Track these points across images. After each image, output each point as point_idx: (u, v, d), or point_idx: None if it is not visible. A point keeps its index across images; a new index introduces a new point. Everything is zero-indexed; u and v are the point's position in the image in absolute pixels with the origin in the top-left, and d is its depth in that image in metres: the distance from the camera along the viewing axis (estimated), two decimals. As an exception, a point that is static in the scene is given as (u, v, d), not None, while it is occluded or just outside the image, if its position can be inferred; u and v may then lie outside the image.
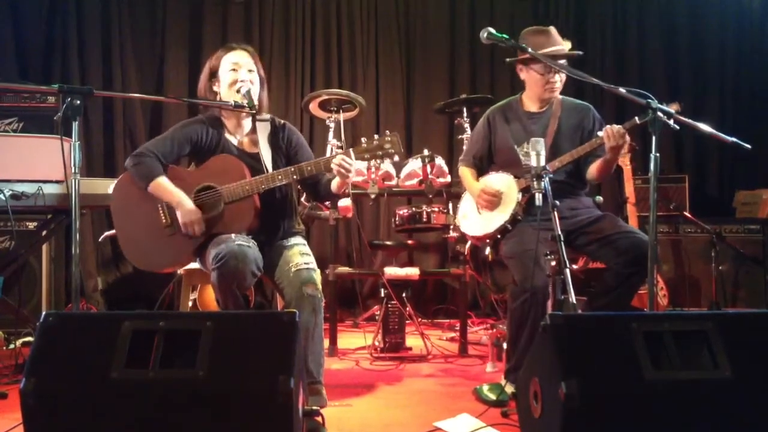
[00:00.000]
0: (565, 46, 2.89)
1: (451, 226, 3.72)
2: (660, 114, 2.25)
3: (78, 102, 2.09)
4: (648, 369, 1.68)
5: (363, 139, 2.51)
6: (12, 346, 3.59)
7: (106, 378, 1.65)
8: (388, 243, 4.75)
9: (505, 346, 2.91)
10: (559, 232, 2.25)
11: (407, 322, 3.64)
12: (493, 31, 2.46)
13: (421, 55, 5.38)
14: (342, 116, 4.00)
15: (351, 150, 2.47)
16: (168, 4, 5.08)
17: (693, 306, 4.46)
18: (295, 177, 2.51)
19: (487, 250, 3.02)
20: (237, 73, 2.60)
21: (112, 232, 2.74)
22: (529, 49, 2.61)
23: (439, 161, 3.68)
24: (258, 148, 2.64)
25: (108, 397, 1.66)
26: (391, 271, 3.65)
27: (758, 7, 5.41)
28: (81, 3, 4.88)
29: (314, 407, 2.22)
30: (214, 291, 2.42)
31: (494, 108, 3.07)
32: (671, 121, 2.28)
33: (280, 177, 2.49)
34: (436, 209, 3.72)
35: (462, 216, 3.04)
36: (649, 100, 2.28)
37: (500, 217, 2.81)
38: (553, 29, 2.91)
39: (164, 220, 2.54)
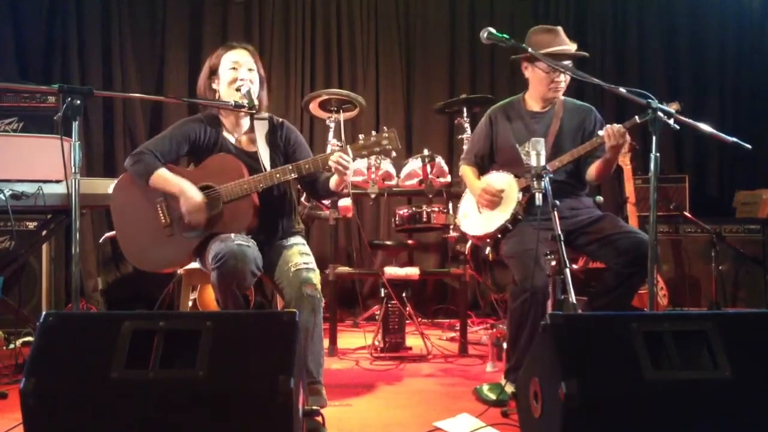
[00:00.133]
0: (572, 47, 2.89)
1: (451, 226, 3.72)
2: (660, 114, 2.26)
3: (78, 102, 2.09)
4: (648, 369, 1.68)
5: (360, 136, 2.51)
6: (12, 346, 3.59)
7: (106, 378, 1.64)
8: (388, 243, 4.75)
9: (505, 345, 2.91)
10: (559, 232, 2.26)
11: (407, 322, 3.64)
12: (493, 31, 2.46)
13: (421, 55, 5.38)
14: (342, 116, 4.00)
15: (348, 147, 2.47)
16: (168, 4, 5.08)
17: (693, 306, 4.46)
18: (293, 175, 2.50)
19: (488, 250, 3.02)
20: (237, 72, 2.60)
21: (113, 233, 2.74)
22: (530, 49, 2.62)
23: (439, 161, 3.68)
24: (256, 146, 2.63)
25: (108, 397, 1.66)
26: (391, 271, 3.65)
27: (758, 7, 5.41)
28: (81, 3, 4.88)
29: (314, 407, 2.22)
30: (214, 291, 2.42)
31: (496, 107, 3.07)
32: (671, 121, 2.28)
33: (278, 175, 2.49)
34: (436, 209, 3.72)
35: (462, 215, 3.04)
36: (650, 100, 2.28)
37: (501, 216, 2.81)
38: (560, 29, 2.91)
39: (163, 221, 2.54)
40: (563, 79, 2.87)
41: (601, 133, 2.64)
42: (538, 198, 2.31)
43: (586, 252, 2.84)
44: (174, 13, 5.09)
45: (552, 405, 1.74)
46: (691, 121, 2.36)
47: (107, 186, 3.08)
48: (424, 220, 3.70)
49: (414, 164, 3.70)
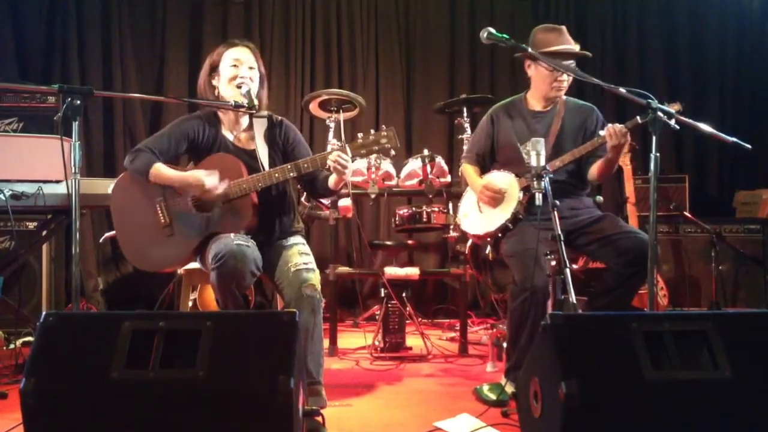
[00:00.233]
0: (575, 47, 2.89)
1: (451, 226, 3.72)
2: (660, 114, 2.26)
3: (78, 102, 2.09)
4: (648, 369, 1.68)
5: (359, 135, 2.51)
6: (12, 346, 3.59)
7: (106, 378, 1.64)
8: (388, 243, 4.76)
9: (505, 345, 2.91)
10: (560, 232, 2.26)
11: (407, 321, 3.64)
12: (493, 31, 2.45)
13: (421, 55, 5.38)
14: (342, 116, 4.00)
15: (347, 146, 2.46)
16: (168, 4, 5.08)
17: (693, 306, 4.46)
18: (292, 174, 2.50)
19: (488, 249, 3.02)
20: (237, 69, 2.59)
21: (113, 233, 2.74)
22: (529, 49, 2.61)
23: (439, 161, 3.68)
24: (255, 144, 2.63)
25: (108, 397, 1.66)
26: (391, 271, 3.65)
27: (758, 7, 5.41)
28: (81, 3, 4.88)
29: (314, 407, 2.22)
30: (214, 291, 2.42)
31: (498, 106, 3.07)
32: (671, 121, 2.28)
33: (277, 175, 2.49)
34: (436, 209, 3.72)
35: (463, 214, 3.04)
36: (650, 100, 2.28)
37: (502, 215, 2.81)
38: (564, 28, 2.91)
39: (163, 221, 2.54)
40: (566, 78, 2.87)
41: (602, 132, 2.64)
42: (538, 198, 2.31)
43: (587, 252, 2.84)
44: (174, 13, 5.09)
45: (552, 405, 1.74)
46: (691, 121, 2.36)
47: (107, 186, 3.08)
48: (424, 220, 3.70)
49: (414, 164, 3.70)
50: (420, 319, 4.29)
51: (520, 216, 2.78)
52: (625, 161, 4.19)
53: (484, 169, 3.05)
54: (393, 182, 3.75)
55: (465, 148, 3.60)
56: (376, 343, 3.59)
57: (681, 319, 1.91)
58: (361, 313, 4.79)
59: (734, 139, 2.37)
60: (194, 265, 2.76)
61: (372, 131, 2.50)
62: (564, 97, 2.98)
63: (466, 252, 3.67)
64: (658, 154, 2.25)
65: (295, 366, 1.68)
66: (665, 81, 5.37)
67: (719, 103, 5.38)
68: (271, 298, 4.72)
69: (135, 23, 5.03)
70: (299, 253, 2.54)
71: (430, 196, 3.69)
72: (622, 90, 2.36)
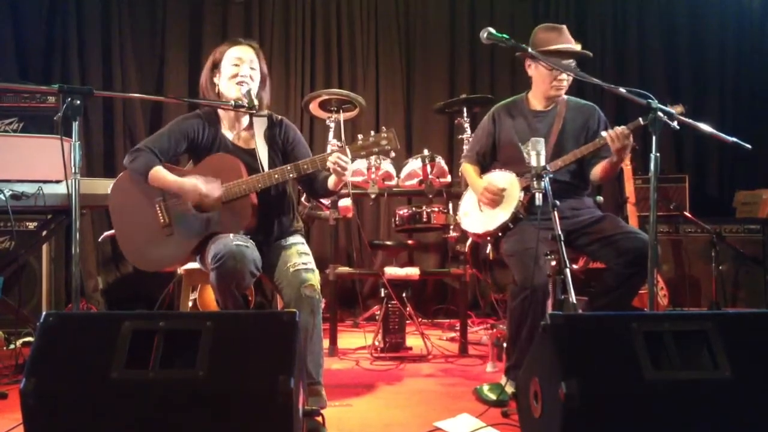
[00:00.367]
0: (577, 47, 2.89)
1: (451, 226, 3.72)
2: (660, 114, 2.26)
3: (78, 102, 2.09)
4: (648, 369, 1.68)
5: (359, 136, 2.51)
6: (12, 346, 3.59)
7: (106, 378, 1.64)
8: (388, 243, 4.76)
9: (505, 345, 2.91)
10: (560, 232, 2.26)
11: (407, 322, 3.64)
12: (493, 31, 2.45)
13: (421, 55, 5.38)
14: (342, 116, 4.00)
15: (347, 147, 2.47)
16: (168, 4, 5.08)
17: (693, 306, 4.46)
18: (291, 175, 2.50)
19: (488, 249, 3.02)
20: (238, 68, 2.59)
21: (112, 232, 2.74)
22: (529, 49, 2.61)
23: (440, 161, 3.68)
24: (254, 143, 2.63)
25: (108, 397, 1.66)
26: (391, 271, 3.65)
27: (758, 7, 5.41)
28: (81, 3, 4.88)
29: (314, 407, 2.22)
30: (213, 291, 2.42)
31: (500, 105, 3.07)
32: (672, 122, 2.28)
33: (276, 176, 2.49)
34: (436, 209, 3.73)
35: (463, 213, 3.04)
36: (650, 100, 2.28)
37: (502, 215, 2.81)
38: (565, 28, 2.91)
39: (162, 220, 2.54)
40: (565, 78, 2.87)
41: (603, 134, 2.64)
42: (538, 198, 2.31)
43: (587, 252, 2.84)
44: (174, 13, 5.09)
45: (552, 405, 1.74)
46: (691, 121, 2.36)
47: (107, 186, 3.07)
48: (424, 220, 3.71)
49: (414, 164, 3.70)
50: (420, 319, 4.29)
51: (520, 215, 2.78)
52: (625, 161, 4.19)
53: (484, 169, 3.05)
54: (393, 182, 3.75)
55: (465, 147, 3.60)
56: (376, 343, 3.59)
57: (681, 319, 1.91)
58: (361, 313, 4.79)
59: (734, 139, 2.37)
60: (194, 265, 2.76)
61: (372, 133, 2.50)
62: (565, 97, 2.98)
63: (466, 251, 3.67)
64: (658, 154, 2.25)
65: (295, 366, 1.68)
66: (665, 81, 5.37)
67: (719, 103, 5.38)
68: (271, 298, 4.72)
69: (135, 23, 5.03)
70: (298, 253, 2.54)
71: (430, 196, 3.69)
72: (622, 90, 2.36)
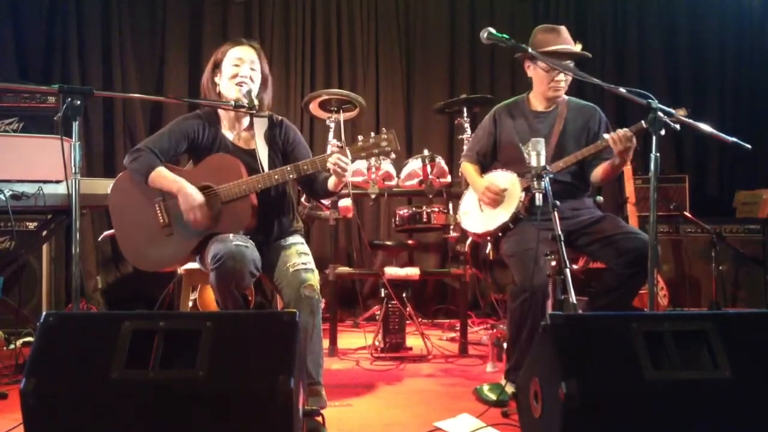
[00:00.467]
0: (576, 48, 2.88)
1: (452, 226, 3.72)
2: (660, 114, 2.25)
3: (78, 102, 2.09)
4: (648, 369, 1.68)
5: (359, 137, 2.51)
6: (12, 346, 3.59)
7: (106, 378, 1.64)
8: (389, 243, 4.75)
9: (505, 345, 2.91)
10: (560, 232, 2.26)
11: (407, 322, 3.64)
12: (493, 31, 2.45)
13: (421, 55, 5.39)
14: (342, 116, 4.00)
15: (347, 148, 2.46)
16: (168, 4, 5.08)
17: (693, 306, 4.46)
18: (291, 176, 2.50)
19: (488, 248, 3.02)
20: (239, 68, 2.59)
21: (111, 231, 2.74)
22: (530, 49, 2.61)
23: (440, 161, 3.68)
24: (255, 144, 2.63)
25: (108, 397, 1.66)
26: (392, 271, 3.65)
27: (758, 7, 5.41)
28: (81, 3, 4.89)
29: (314, 407, 2.22)
30: (213, 292, 2.42)
31: (501, 105, 3.07)
32: (671, 121, 2.28)
33: (276, 176, 2.49)
34: (436, 209, 3.73)
35: (463, 212, 3.04)
36: (650, 100, 2.28)
37: (503, 215, 2.81)
38: (564, 29, 2.91)
39: (162, 220, 2.54)
40: (563, 79, 2.87)
41: (606, 136, 2.64)
42: (538, 198, 2.31)
43: (587, 252, 2.84)
44: (174, 13, 5.09)
45: (552, 405, 1.74)
46: (691, 121, 2.36)
47: (107, 186, 3.07)
48: (424, 220, 3.71)
49: (414, 164, 3.70)
50: (420, 320, 4.29)
51: (520, 216, 2.78)
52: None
53: (484, 168, 3.05)
54: (393, 182, 3.75)
55: (465, 147, 3.60)
56: (376, 343, 3.59)
57: (681, 319, 1.91)
58: (361, 313, 4.79)
59: (734, 139, 2.37)
60: (194, 265, 2.76)
61: (372, 134, 2.50)
62: (566, 98, 2.98)
63: (466, 251, 3.67)
64: (658, 154, 2.25)
65: (295, 366, 1.68)
66: (665, 81, 5.36)
67: (719, 103, 5.38)
68: (271, 298, 4.72)
69: (135, 23, 5.03)
70: (298, 253, 2.54)
71: (430, 196, 3.69)
72: (623, 90, 2.36)
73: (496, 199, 2.84)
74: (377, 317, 3.78)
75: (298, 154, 2.67)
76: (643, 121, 2.50)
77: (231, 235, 2.40)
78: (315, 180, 2.68)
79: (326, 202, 3.72)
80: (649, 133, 2.30)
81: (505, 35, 2.46)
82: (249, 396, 1.65)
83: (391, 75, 5.33)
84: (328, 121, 4.02)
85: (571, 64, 2.85)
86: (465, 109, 3.95)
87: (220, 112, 2.68)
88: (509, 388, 2.49)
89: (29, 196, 3.02)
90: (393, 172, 3.71)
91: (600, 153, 2.77)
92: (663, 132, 2.27)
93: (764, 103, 5.24)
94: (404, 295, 3.60)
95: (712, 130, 2.36)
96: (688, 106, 2.46)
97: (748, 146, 2.36)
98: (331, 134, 4.00)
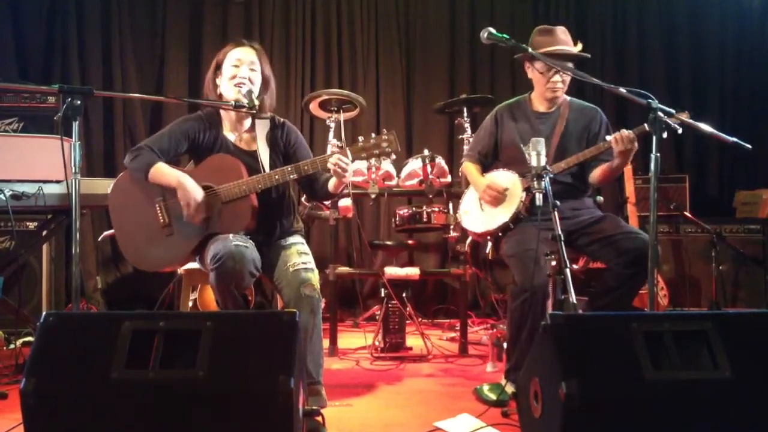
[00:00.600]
0: (575, 48, 2.88)
1: (452, 226, 3.72)
2: (660, 114, 2.26)
3: (78, 102, 2.09)
4: (648, 369, 1.68)
5: (360, 138, 2.51)
6: (12, 346, 3.59)
7: (106, 378, 1.64)
8: (389, 243, 4.75)
9: (505, 345, 2.91)
10: (560, 232, 2.26)
11: (407, 322, 3.64)
12: (493, 31, 2.45)
13: (421, 55, 5.39)
14: (342, 116, 4.00)
15: (348, 149, 2.46)
16: (168, 4, 5.08)
17: (693, 306, 4.46)
18: (292, 176, 2.50)
19: (488, 248, 3.02)
20: (238, 69, 2.59)
21: (111, 231, 2.74)
22: (529, 49, 2.62)
23: (440, 161, 3.68)
24: (256, 145, 2.63)
25: (108, 397, 1.66)
26: (392, 271, 3.65)
27: (758, 7, 5.41)
28: (81, 3, 4.89)
29: (314, 407, 2.22)
30: (213, 292, 2.42)
31: (502, 105, 3.07)
32: (674, 123, 2.29)
33: (277, 177, 2.49)
34: (437, 209, 3.73)
35: (464, 212, 3.04)
36: (650, 100, 2.28)
37: (503, 214, 2.81)
38: (560, 29, 2.91)
39: (162, 220, 2.54)
40: (559, 80, 2.87)
41: (609, 138, 2.64)
42: (539, 198, 2.31)
43: (587, 252, 2.84)
44: (174, 13, 5.09)
45: (552, 405, 1.74)
46: (691, 121, 2.36)
47: (107, 186, 3.07)
48: (425, 220, 3.71)
49: (414, 164, 3.70)
50: (420, 319, 4.29)
51: (521, 216, 2.78)
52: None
53: (485, 168, 3.05)
54: (393, 182, 3.75)
55: (466, 147, 3.60)
56: (376, 343, 3.59)
57: (681, 319, 1.91)
58: (361, 313, 4.79)
59: (734, 139, 2.37)
60: (194, 265, 2.76)
61: (373, 135, 2.50)
62: (568, 99, 2.98)
63: (466, 250, 3.67)
64: (658, 154, 2.25)
65: (295, 366, 1.68)
66: (665, 81, 5.36)
67: (719, 103, 5.37)
68: (271, 298, 4.72)
69: (135, 23, 5.03)
70: (298, 253, 2.54)
71: (431, 196, 3.69)
72: (623, 90, 2.36)
73: (498, 197, 2.84)
74: (377, 317, 3.78)
75: (299, 156, 2.67)
76: (645, 124, 2.50)
77: (231, 235, 2.40)
78: (316, 181, 2.68)
79: (326, 202, 3.72)
80: (649, 134, 2.30)
81: (505, 35, 2.46)
82: (249, 396, 1.65)
83: (391, 75, 5.33)
84: (328, 121, 4.02)
85: (569, 64, 2.85)
86: (465, 109, 3.95)
87: (222, 113, 2.68)
88: (509, 388, 2.49)
89: (29, 196, 3.02)
90: (393, 171, 3.71)
91: (600, 154, 2.78)
92: (665, 135, 2.27)
93: (764, 103, 5.24)
94: (404, 295, 3.60)
95: (712, 130, 2.36)
96: (688, 106, 2.47)
97: (748, 146, 2.37)
98: (331, 134, 4.00)
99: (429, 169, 3.61)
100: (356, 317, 4.79)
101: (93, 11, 4.90)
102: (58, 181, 3.07)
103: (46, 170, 3.06)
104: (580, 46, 2.90)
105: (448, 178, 3.73)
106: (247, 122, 2.68)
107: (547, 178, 2.32)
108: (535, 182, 2.32)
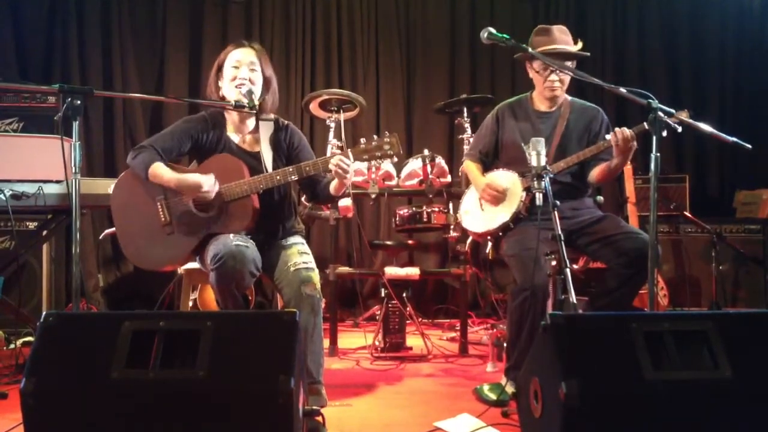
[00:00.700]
0: (574, 47, 2.88)
1: (452, 226, 3.72)
2: (660, 114, 2.26)
3: (78, 102, 2.09)
4: (648, 369, 1.68)
5: (362, 140, 2.51)
6: (12, 346, 3.59)
7: (106, 378, 1.64)
8: (389, 243, 4.75)
9: (505, 345, 2.91)
10: (560, 232, 2.26)
11: (407, 321, 3.64)
12: (493, 30, 2.45)
13: (421, 55, 5.38)
14: (342, 116, 4.00)
15: (349, 151, 2.47)
16: (168, 4, 5.08)
17: (693, 306, 4.46)
18: (293, 177, 2.50)
19: (488, 248, 3.02)
20: (238, 71, 2.59)
21: (112, 230, 2.74)
22: (529, 49, 2.62)
23: (440, 161, 3.68)
24: (259, 147, 2.63)
25: (108, 397, 1.66)
26: (392, 271, 3.65)
27: (758, 7, 5.41)
28: (81, 3, 4.88)
29: (314, 407, 2.22)
30: (213, 291, 2.42)
31: (504, 104, 3.07)
32: (674, 123, 2.29)
33: (278, 177, 2.49)
34: (437, 209, 3.72)
35: (464, 212, 3.04)
36: (650, 100, 2.28)
37: (503, 214, 2.81)
38: (557, 28, 2.90)
39: (163, 219, 2.54)
40: (556, 79, 2.87)
41: (608, 137, 2.64)
42: (539, 198, 2.31)
43: (588, 252, 2.84)
44: (174, 13, 5.09)
45: (552, 405, 1.74)
46: (691, 121, 2.36)
47: (107, 186, 3.08)
48: (425, 220, 3.70)
49: (414, 164, 3.70)
50: (420, 319, 4.29)
51: (521, 215, 2.78)
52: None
53: (486, 168, 3.05)
54: (393, 182, 3.75)
55: (466, 147, 3.60)
56: (377, 343, 3.59)
57: (681, 319, 1.91)
58: (361, 313, 4.79)
59: (734, 139, 2.37)
60: (194, 264, 2.76)
61: (375, 137, 2.50)
62: (569, 99, 2.98)
63: (467, 251, 3.67)
64: (658, 154, 2.25)
65: (295, 366, 1.68)
66: (665, 81, 5.36)
67: (719, 103, 5.38)
68: (271, 298, 4.72)
69: (135, 23, 5.02)
70: (299, 253, 2.55)
71: (431, 196, 3.69)
72: (623, 90, 2.36)
73: (497, 196, 2.84)
74: (377, 317, 3.78)
75: (302, 158, 2.67)
76: (645, 123, 2.50)
77: (231, 235, 2.40)
78: (317, 183, 2.69)
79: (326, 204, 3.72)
80: (649, 133, 2.30)
81: (505, 35, 2.46)
82: (249, 396, 1.65)
83: (391, 75, 5.32)
84: (328, 121, 4.02)
85: (569, 63, 2.84)
86: (465, 109, 3.95)
87: (226, 114, 2.68)
88: (509, 388, 2.49)
89: (29, 195, 3.02)
90: (393, 171, 3.71)
91: (600, 154, 2.78)
92: (665, 134, 2.27)
93: (764, 103, 5.23)
94: (404, 294, 3.60)
95: (712, 130, 2.36)
96: (688, 106, 2.47)
97: (749, 146, 2.37)
98: (331, 134, 4.00)
99: (429, 169, 3.61)
100: (356, 317, 4.79)
101: (93, 11, 4.89)
102: (58, 181, 3.07)
103: (46, 170, 3.06)
104: (580, 45, 2.90)
105: (448, 178, 3.72)
106: (251, 124, 2.69)
107: (547, 178, 2.32)
108: (535, 182, 2.32)
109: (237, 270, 2.30)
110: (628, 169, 4.26)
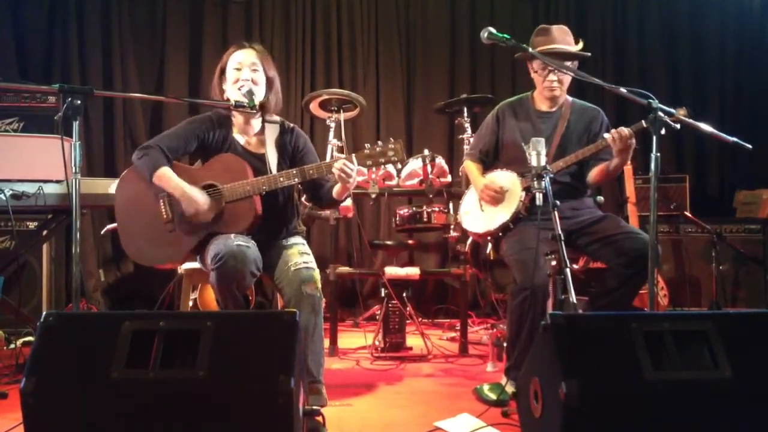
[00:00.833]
0: (574, 47, 2.88)
1: (452, 226, 3.72)
2: (660, 114, 2.26)
3: (78, 102, 2.09)
4: (648, 369, 1.68)
5: (366, 145, 2.51)
6: (12, 346, 3.59)
7: (106, 378, 1.64)
8: (389, 243, 4.75)
9: (505, 345, 2.91)
10: (560, 232, 2.26)
11: (408, 321, 3.64)
12: (493, 30, 2.45)
13: (421, 55, 5.39)
14: (342, 116, 4.00)
15: (353, 155, 2.47)
16: (168, 4, 5.08)
17: (693, 306, 4.46)
18: (296, 179, 2.50)
19: (488, 248, 3.02)
20: (240, 72, 2.60)
21: (114, 225, 2.74)
22: (530, 49, 2.62)
23: (440, 161, 3.68)
24: (264, 149, 2.64)
25: (108, 397, 1.66)
26: (392, 271, 3.65)
27: (758, 7, 5.41)
28: (81, 3, 4.88)
29: (314, 407, 2.22)
30: (214, 291, 2.42)
31: (505, 103, 3.07)
32: (673, 122, 2.29)
33: (282, 179, 2.49)
34: (437, 209, 3.73)
35: (464, 212, 3.04)
36: (650, 100, 2.28)
37: (503, 214, 2.81)
38: (557, 28, 2.90)
39: (165, 216, 2.54)
40: (555, 79, 2.86)
41: (606, 135, 2.64)
42: (539, 198, 2.31)
43: (588, 252, 2.84)
44: (174, 13, 5.09)
45: (552, 405, 1.74)
46: (691, 121, 2.36)
47: (107, 186, 3.09)
48: (425, 220, 3.71)
49: (414, 164, 3.70)
50: (420, 319, 4.29)
51: (521, 215, 2.78)
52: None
53: (486, 167, 3.05)
54: (393, 182, 3.75)
55: (466, 147, 3.60)
56: (377, 343, 3.59)
57: (681, 319, 1.91)
58: (361, 313, 4.79)
59: (734, 139, 2.37)
60: (195, 264, 2.76)
61: (379, 142, 2.51)
62: (570, 99, 2.98)
63: (467, 251, 3.67)
64: (658, 154, 2.25)
65: (295, 366, 1.68)
66: (665, 81, 5.36)
67: (719, 103, 5.38)
68: (271, 298, 4.72)
69: (135, 23, 5.02)
70: (299, 253, 2.55)
71: (431, 196, 3.69)
72: (623, 90, 2.36)
73: (496, 197, 2.83)
74: (377, 317, 3.78)
75: (307, 161, 2.67)
76: (643, 121, 2.50)
77: (232, 235, 2.40)
78: (320, 187, 2.69)
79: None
80: (649, 133, 2.30)
81: (505, 35, 2.45)
82: (249, 396, 1.65)
83: (391, 75, 5.33)
84: (328, 121, 4.02)
85: (569, 63, 2.84)
86: (465, 109, 3.95)
87: (232, 116, 2.69)
88: (509, 388, 2.49)
89: (29, 195, 3.02)
90: (393, 171, 3.71)
91: (598, 153, 2.77)
92: (663, 131, 2.27)
93: (764, 103, 5.23)
94: (404, 294, 3.60)
95: (712, 130, 2.36)
96: (688, 106, 2.46)
97: (749, 146, 2.37)
98: (331, 134, 4.00)
99: (429, 169, 3.61)
100: (356, 317, 4.79)
101: (93, 11, 4.90)
102: (58, 181, 3.07)
103: (46, 170, 3.06)
104: (580, 45, 2.90)
105: (449, 178, 3.73)
106: (256, 125, 2.69)
107: (547, 178, 2.32)
108: (535, 182, 2.32)
109: (238, 270, 2.30)
110: (628, 169, 4.26)
